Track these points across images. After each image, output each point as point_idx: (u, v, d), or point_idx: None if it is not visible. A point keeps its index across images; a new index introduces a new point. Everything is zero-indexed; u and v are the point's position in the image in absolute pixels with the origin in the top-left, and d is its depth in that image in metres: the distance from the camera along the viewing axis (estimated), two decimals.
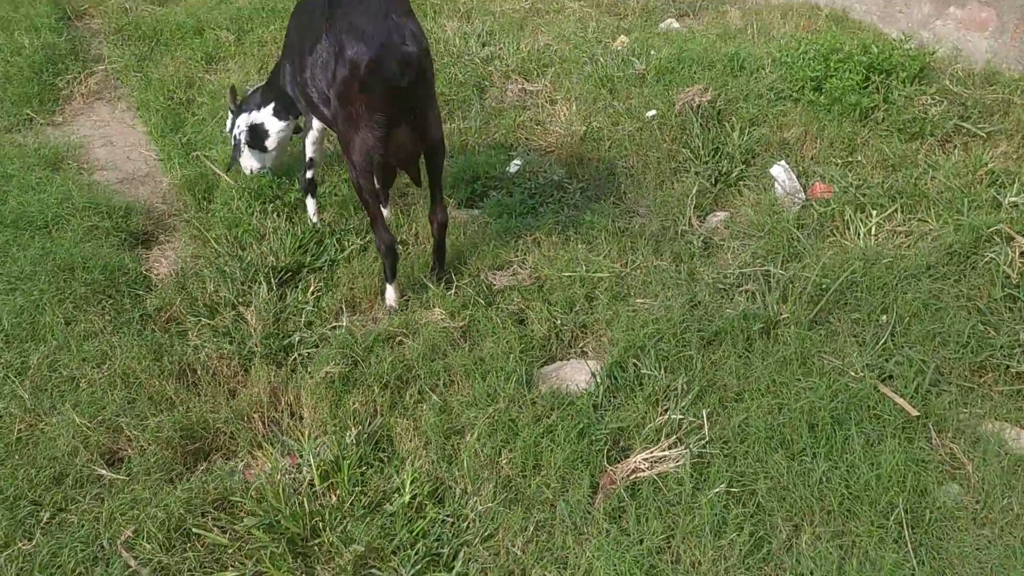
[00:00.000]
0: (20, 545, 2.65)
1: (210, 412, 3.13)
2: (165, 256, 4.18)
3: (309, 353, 3.46)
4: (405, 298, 3.74)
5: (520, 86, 5.49)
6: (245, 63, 6.08)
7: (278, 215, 4.30)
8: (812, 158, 4.41)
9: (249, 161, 4.57)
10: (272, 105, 4.37)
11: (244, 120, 4.47)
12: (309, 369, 3.35)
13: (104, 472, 2.90)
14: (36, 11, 6.61)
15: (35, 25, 6.34)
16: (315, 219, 4.21)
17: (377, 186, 3.57)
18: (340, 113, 3.32)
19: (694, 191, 4.22)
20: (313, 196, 4.20)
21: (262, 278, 3.80)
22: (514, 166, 4.75)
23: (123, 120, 5.61)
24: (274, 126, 4.41)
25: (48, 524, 2.73)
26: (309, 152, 4.07)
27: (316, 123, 3.95)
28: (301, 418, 3.23)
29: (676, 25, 6.14)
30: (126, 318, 3.60)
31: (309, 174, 4.12)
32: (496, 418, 3.03)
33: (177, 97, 5.65)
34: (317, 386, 3.22)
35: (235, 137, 4.53)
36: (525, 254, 3.96)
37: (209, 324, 3.59)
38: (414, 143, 3.34)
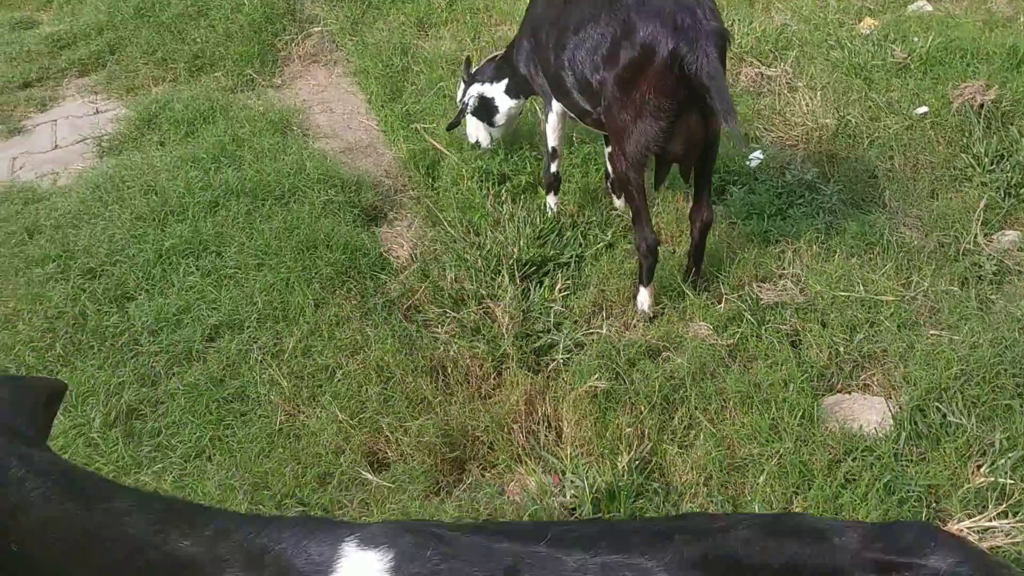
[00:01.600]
0: None
1: (470, 419, 2.96)
2: (397, 236, 4.04)
3: (563, 360, 3.24)
4: (660, 305, 3.46)
5: (757, 70, 5.07)
6: (458, 31, 5.88)
7: (512, 200, 4.08)
8: None
9: (476, 132, 4.42)
10: (505, 82, 4.16)
11: (475, 89, 4.26)
12: (567, 379, 3.12)
13: (369, 476, 2.77)
14: None
15: None
16: (554, 210, 3.97)
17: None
18: (616, 100, 3.04)
19: (982, 205, 3.74)
20: (555, 193, 3.95)
21: (505, 271, 3.60)
22: (754, 159, 4.37)
23: (340, 85, 5.52)
24: (504, 103, 4.21)
25: None
26: (551, 141, 3.81)
27: (556, 107, 3.69)
28: (559, 432, 3.02)
29: (929, 8, 5.55)
30: (371, 304, 3.47)
31: (554, 167, 3.88)
32: (785, 458, 2.73)
33: (393, 64, 5.50)
34: (580, 400, 2.99)
35: (462, 102, 4.34)
36: (786, 264, 3.61)
37: (455, 317, 3.42)
38: (702, 133, 3.04)
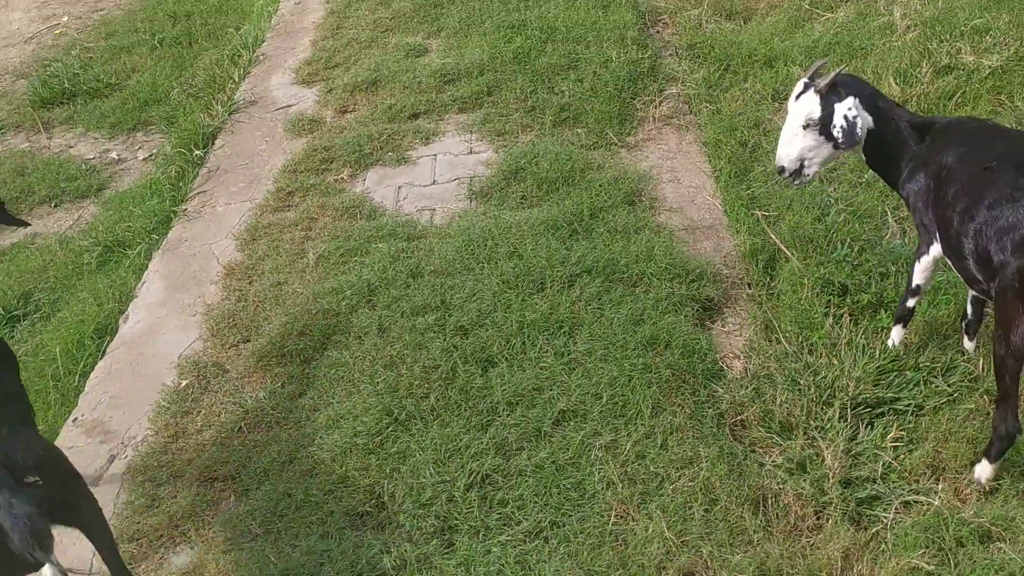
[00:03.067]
0: None
1: (786, 563, 3.11)
2: (731, 339, 4.22)
3: (886, 520, 3.27)
4: (998, 480, 3.37)
5: None
6: None
7: (852, 320, 4.10)
8: None
9: (799, 150, 3.67)
10: (873, 120, 3.57)
11: (850, 104, 3.53)
12: (889, 543, 3.17)
13: None
14: (622, 18, 6.96)
15: (621, 36, 6.68)
16: (897, 345, 3.94)
17: None
18: (1014, 289, 2.99)
19: None
20: (905, 326, 3.92)
21: (837, 404, 3.67)
22: None
23: (689, 153, 5.74)
24: (864, 122, 3.56)
25: None
26: (917, 279, 3.75)
27: (935, 251, 3.60)
28: None
29: None
30: (702, 415, 3.70)
31: (911, 303, 3.84)
32: None
33: (744, 139, 5.62)
34: (900, 573, 3.04)
35: (844, 117, 3.53)
36: None
37: (782, 447, 3.56)
38: None
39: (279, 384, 4.23)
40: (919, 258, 3.72)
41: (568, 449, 3.54)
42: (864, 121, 3.58)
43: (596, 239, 4.71)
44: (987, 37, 6.29)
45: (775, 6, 7.40)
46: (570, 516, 3.31)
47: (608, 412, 3.68)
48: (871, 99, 3.62)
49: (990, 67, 5.93)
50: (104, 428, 4.30)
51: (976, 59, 6.03)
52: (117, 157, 7.23)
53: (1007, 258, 3.00)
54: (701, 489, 3.35)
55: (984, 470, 3.36)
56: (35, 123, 7.80)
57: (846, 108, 3.55)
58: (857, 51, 6.38)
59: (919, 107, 5.74)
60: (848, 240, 4.62)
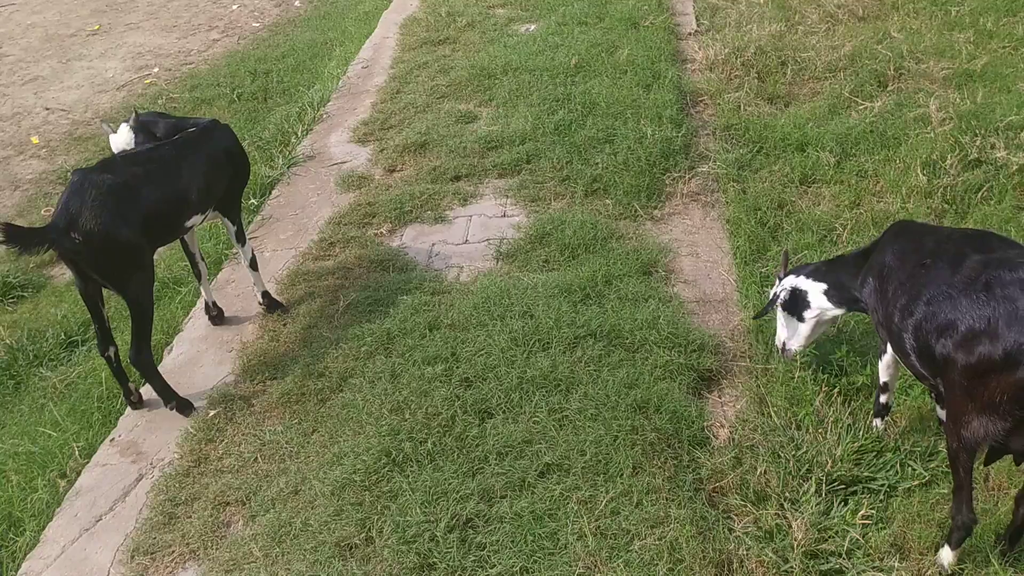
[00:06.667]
0: None
1: None
2: (722, 409, 4.39)
3: None
4: (961, 564, 3.45)
5: None
6: (839, 193, 6.04)
7: (842, 399, 4.23)
8: None
9: (782, 329, 4.36)
10: (825, 287, 4.10)
11: (790, 281, 4.24)
12: None
13: None
14: (662, 97, 7.28)
15: (659, 114, 6.99)
16: (880, 428, 4.06)
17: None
18: (961, 385, 3.11)
19: None
20: (883, 419, 4.05)
21: (814, 480, 3.80)
22: None
23: (712, 229, 5.96)
24: (818, 301, 4.13)
25: None
26: (883, 376, 3.91)
27: (891, 349, 3.74)
28: None
29: None
30: (681, 479, 3.87)
31: (883, 398, 3.98)
32: None
33: (765, 219, 5.82)
34: None
35: (774, 293, 4.35)
36: None
37: (754, 514, 3.70)
38: None
39: (296, 420, 4.55)
40: (880, 357, 3.87)
41: (548, 500, 3.75)
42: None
43: (606, 305, 4.95)
44: (1022, 134, 6.40)
45: (817, 92, 7.65)
46: (540, 563, 3.50)
47: (590, 468, 3.88)
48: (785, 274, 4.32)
49: (1018, 163, 6.03)
50: (137, 449, 4.67)
51: (1007, 155, 6.14)
52: None
53: (952, 354, 3.12)
54: (668, 548, 3.51)
55: (946, 555, 3.45)
56: None
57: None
58: (889, 140, 6.55)
59: (944, 198, 5.87)
60: (851, 323, 4.76)
